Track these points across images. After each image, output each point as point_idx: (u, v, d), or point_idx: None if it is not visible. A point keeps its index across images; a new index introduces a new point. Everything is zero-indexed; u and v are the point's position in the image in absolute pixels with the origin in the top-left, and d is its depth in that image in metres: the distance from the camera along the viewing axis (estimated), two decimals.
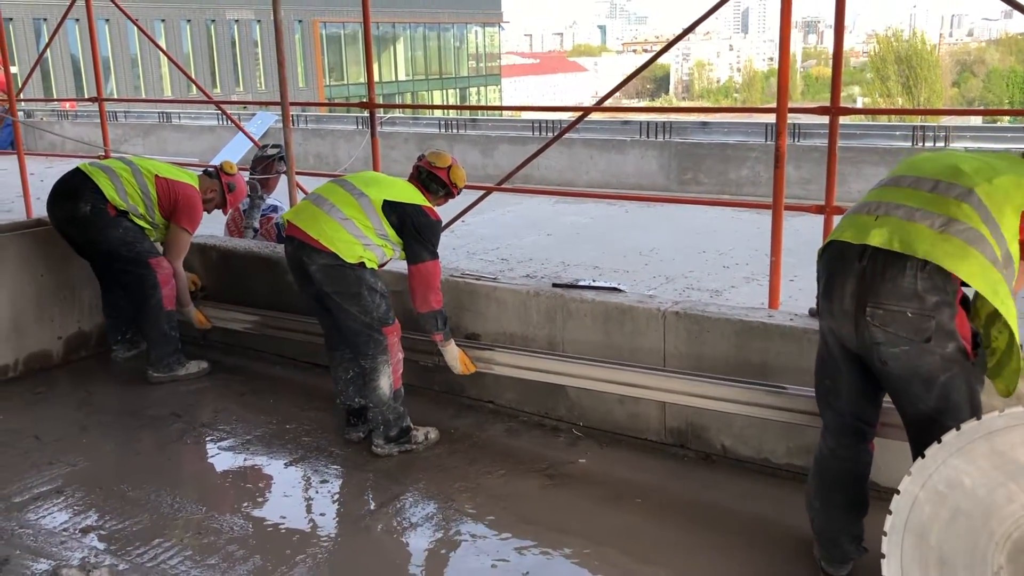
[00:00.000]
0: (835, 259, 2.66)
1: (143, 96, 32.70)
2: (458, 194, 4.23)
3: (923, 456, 2.47)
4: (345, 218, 3.87)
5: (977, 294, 2.57)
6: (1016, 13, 3.97)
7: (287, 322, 4.96)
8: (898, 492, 2.48)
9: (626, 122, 11.00)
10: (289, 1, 36.85)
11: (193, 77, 8.08)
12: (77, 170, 4.88)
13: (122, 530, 3.42)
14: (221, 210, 5.31)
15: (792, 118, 10.83)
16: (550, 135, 11.16)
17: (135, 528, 3.43)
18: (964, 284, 2.52)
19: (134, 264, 4.81)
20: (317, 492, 3.77)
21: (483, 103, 47.58)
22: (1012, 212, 2.53)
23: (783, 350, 3.63)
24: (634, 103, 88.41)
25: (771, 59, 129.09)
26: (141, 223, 4.87)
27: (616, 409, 4.13)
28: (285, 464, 4.00)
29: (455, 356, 4.10)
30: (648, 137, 10.29)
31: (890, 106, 50.62)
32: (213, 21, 36.17)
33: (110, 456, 4.13)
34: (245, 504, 3.66)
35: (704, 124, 10.49)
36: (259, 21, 37.48)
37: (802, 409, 3.40)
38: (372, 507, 3.61)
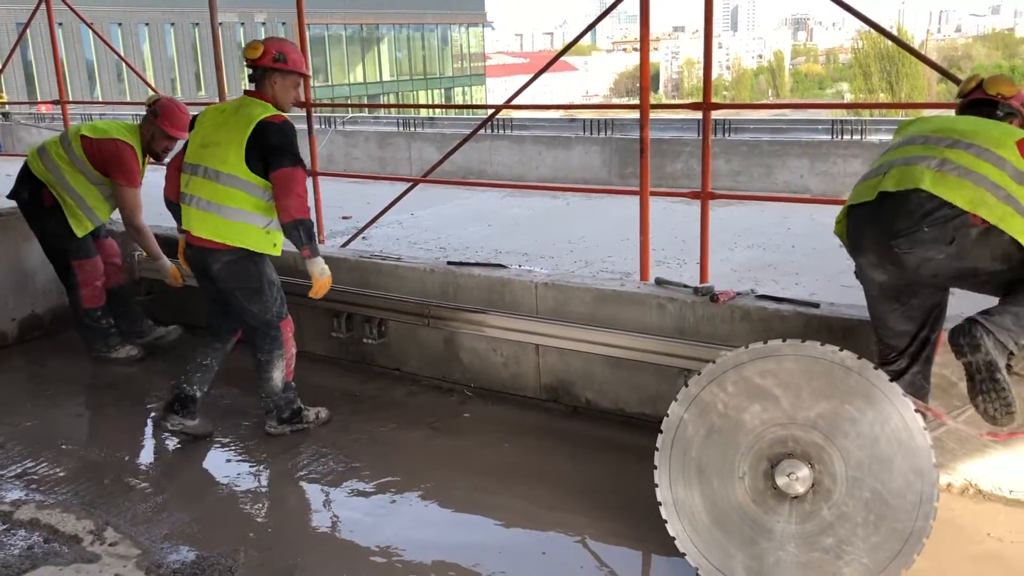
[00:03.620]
0: (855, 222, 3.06)
1: (128, 99, 33.09)
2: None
3: (687, 385, 3.00)
4: (222, 206, 3.86)
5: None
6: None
7: None
8: (668, 415, 3.01)
9: (572, 120, 11.56)
10: (273, 3, 37.49)
11: (149, 80, 8.56)
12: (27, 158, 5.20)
13: (51, 475, 3.93)
14: (174, 142, 5.00)
15: (723, 115, 11.44)
16: (505, 132, 11.68)
17: (63, 473, 3.94)
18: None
19: (58, 260, 5.18)
20: (228, 447, 4.27)
21: (468, 103, 48.01)
22: (1012, 144, 2.88)
23: (630, 312, 4.17)
24: (625, 101, 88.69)
25: (760, 56, 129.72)
26: (76, 210, 4.98)
27: (501, 371, 4.66)
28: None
29: (319, 273, 4.00)
30: (591, 134, 10.81)
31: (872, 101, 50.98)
32: (197, 24, 36.58)
33: (51, 419, 4.63)
34: (164, 454, 4.18)
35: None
36: (243, 24, 37.91)
37: (640, 347, 4.00)
38: (274, 455, 4.12)
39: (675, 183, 10.06)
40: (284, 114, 3.97)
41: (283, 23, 38.82)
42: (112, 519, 3.51)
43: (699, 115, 4.73)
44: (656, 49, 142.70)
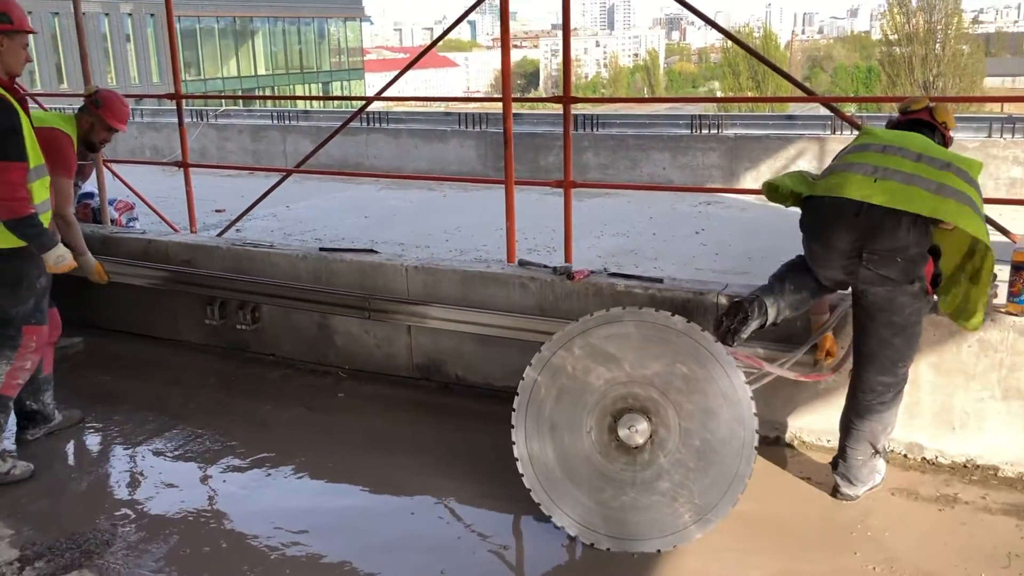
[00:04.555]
0: (830, 212, 3.16)
1: None
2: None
3: (540, 351, 3.28)
4: None
5: (939, 247, 3.25)
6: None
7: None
8: (523, 378, 3.29)
9: (448, 114, 11.78)
10: None
11: None
12: None
13: None
14: (113, 133, 4.87)
15: (587, 108, 11.82)
16: (381, 126, 11.77)
17: None
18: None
19: None
20: (102, 431, 4.32)
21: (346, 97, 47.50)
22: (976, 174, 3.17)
23: (496, 292, 4.44)
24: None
25: (636, 55, 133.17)
26: None
27: (375, 352, 4.86)
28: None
29: (54, 261, 3.79)
30: (466, 127, 11.06)
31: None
32: (57, 14, 34.91)
33: None
34: (39, 441, 4.20)
35: (515, 115, 11.39)
36: (107, 15, 36.43)
37: (503, 324, 4.28)
38: (148, 437, 4.19)
39: (548, 175, 10.40)
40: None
41: (151, 14, 37.52)
42: None
43: (582, 110, 5.06)
44: (536, 47, 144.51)
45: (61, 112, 4.96)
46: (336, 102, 26.94)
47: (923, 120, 3.40)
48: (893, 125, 3.48)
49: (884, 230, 3.07)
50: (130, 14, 37.42)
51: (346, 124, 6.12)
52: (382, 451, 4.01)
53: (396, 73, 5.81)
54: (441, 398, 4.59)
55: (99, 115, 4.80)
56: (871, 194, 3.07)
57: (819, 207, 3.22)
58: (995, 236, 3.88)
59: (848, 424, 3.44)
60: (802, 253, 3.38)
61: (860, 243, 3.10)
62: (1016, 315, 3.45)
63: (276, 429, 4.26)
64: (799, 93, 5.03)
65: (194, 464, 3.94)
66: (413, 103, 28.39)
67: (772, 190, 3.45)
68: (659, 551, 3.13)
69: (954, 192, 3.05)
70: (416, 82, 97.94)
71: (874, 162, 3.16)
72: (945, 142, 3.38)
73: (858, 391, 3.38)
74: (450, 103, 18.46)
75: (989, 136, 8.55)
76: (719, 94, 69.52)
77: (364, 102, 6.46)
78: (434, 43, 6.50)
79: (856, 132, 3.50)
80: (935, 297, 3.39)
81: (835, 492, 3.48)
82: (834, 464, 3.52)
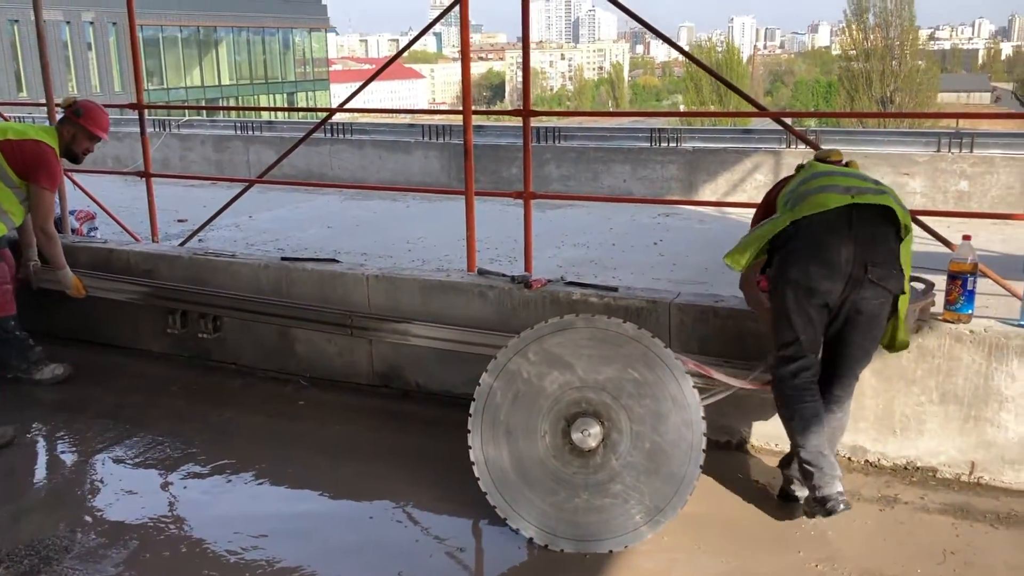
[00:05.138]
0: (823, 228, 3.14)
1: None
2: None
3: (496, 358, 3.37)
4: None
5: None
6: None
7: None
8: (479, 384, 3.37)
9: (412, 125, 11.86)
10: (102, 2, 35.84)
11: None
12: None
13: None
14: (96, 143, 4.91)
15: (550, 121, 11.96)
16: (345, 137, 11.82)
17: None
18: None
19: None
20: (63, 439, 4.32)
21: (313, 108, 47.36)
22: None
23: (456, 300, 4.53)
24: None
25: (600, 68, 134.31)
26: None
27: (335, 360, 4.91)
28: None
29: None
30: (429, 139, 11.14)
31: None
32: (16, 22, 34.47)
33: None
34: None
35: (479, 128, 11.50)
36: (68, 23, 36.03)
37: (464, 340, 4.33)
38: (108, 444, 4.21)
39: (511, 186, 10.51)
40: None
41: (113, 23, 37.17)
42: None
43: (545, 123, 5.15)
44: (502, 59, 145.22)
45: (42, 125, 4.90)
46: (301, 113, 26.85)
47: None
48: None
49: (879, 240, 3.14)
50: (92, 22, 37.04)
51: (309, 135, 6.17)
52: (342, 457, 4.07)
53: (360, 84, 5.88)
54: (401, 405, 4.66)
55: (80, 125, 4.76)
56: (856, 202, 3.14)
57: (809, 226, 3.18)
58: (936, 247, 4.06)
59: None
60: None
61: (860, 256, 3.12)
62: (952, 323, 3.60)
63: (237, 436, 4.30)
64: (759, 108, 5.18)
65: (154, 471, 3.96)
66: (379, 115, 28.43)
67: (739, 259, 3.35)
68: (611, 551, 3.22)
69: (905, 209, 3.20)
70: (382, 93, 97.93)
71: (842, 183, 3.23)
72: None
73: (826, 404, 3.36)
74: (415, 115, 18.50)
75: (938, 150, 8.81)
76: (682, 107, 70.38)
77: (327, 113, 6.52)
78: (398, 54, 6.60)
79: (807, 147, 3.61)
80: None
81: (784, 492, 3.57)
82: (784, 463, 3.59)
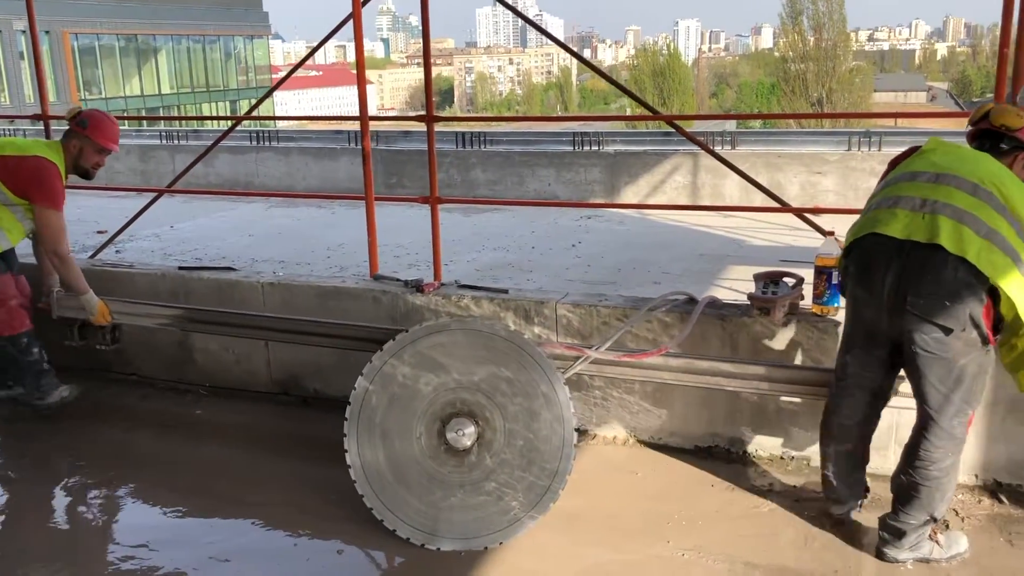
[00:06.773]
0: (871, 251, 2.89)
1: None
2: None
3: (371, 361, 3.40)
4: None
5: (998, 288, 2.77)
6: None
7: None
8: (355, 388, 3.40)
9: (338, 132, 11.83)
10: (37, 11, 35.13)
11: None
12: None
13: None
14: (106, 155, 4.60)
15: (479, 126, 12.04)
16: (271, 144, 11.75)
17: None
18: None
19: None
20: None
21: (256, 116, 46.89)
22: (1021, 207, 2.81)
23: (351, 306, 4.56)
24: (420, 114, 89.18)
25: (549, 72, 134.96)
26: None
27: (234, 369, 4.90)
28: None
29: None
30: (356, 145, 11.12)
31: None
32: None
33: None
34: None
35: (406, 133, 11.53)
36: (0, 32, 35.26)
37: (360, 337, 4.29)
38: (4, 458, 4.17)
39: (441, 192, 10.56)
40: None
41: (46, 31, 36.42)
42: None
43: (472, 128, 5.20)
44: (450, 64, 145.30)
45: (47, 140, 4.62)
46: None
47: (986, 131, 3.04)
48: (969, 137, 3.14)
49: (928, 270, 2.77)
50: (24, 31, 36.26)
51: (218, 142, 6.17)
52: (235, 467, 4.06)
53: (270, 89, 5.90)
54: (299, 412, 4.67)
55: (87, 136, 4.42)
56: (915, 231, 2.81)
57: (860, 247, 2.97)
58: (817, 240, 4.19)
59: (901, 484, 3.09)
60: None
61: (903, 285, 2.82)
62: (820, 315, 3.73)
63: (130, 448, 4.27)
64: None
65: (41, 487, 3.92)
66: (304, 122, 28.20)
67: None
68: (486, 548, 3.27)
69: (1003, 242, 2.75)
70: (329, 100, 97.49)
71: (923, 195, 2.86)
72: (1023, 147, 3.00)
73: (915, 456, 3.01)
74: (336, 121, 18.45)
75: (849, 149, 9.04)
76: (627, 110, 71.04)
77: (255, 120, 6.50)
78: (304, 60, 6.60)
79: (703, 151, 3.65)
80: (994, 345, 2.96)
81: (879, 552, 3.18)
82: (882, 522, 3.19)
